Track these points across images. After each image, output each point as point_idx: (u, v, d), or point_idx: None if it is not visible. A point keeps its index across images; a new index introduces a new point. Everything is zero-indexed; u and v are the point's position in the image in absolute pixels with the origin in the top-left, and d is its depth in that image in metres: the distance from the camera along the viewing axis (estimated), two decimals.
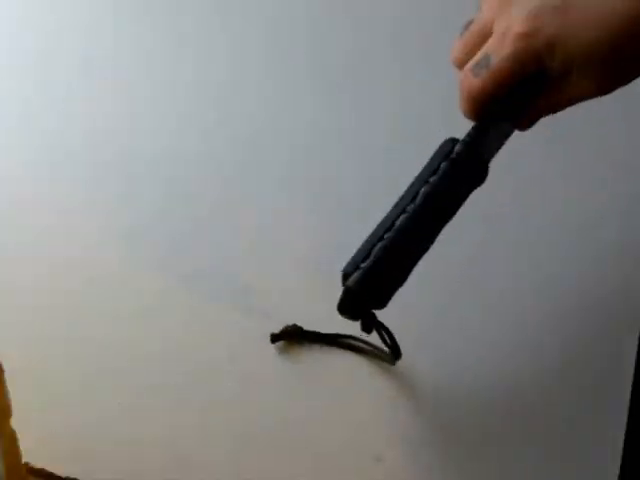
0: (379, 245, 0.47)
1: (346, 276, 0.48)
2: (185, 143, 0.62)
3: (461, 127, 0.53)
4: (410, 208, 0.47)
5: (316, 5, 0.68)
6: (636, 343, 0.55)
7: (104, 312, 0.56)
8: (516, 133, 0.50)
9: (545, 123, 0.49)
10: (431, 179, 0.47)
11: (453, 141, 0.48)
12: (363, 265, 0.47)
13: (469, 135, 0.48)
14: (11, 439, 0.44)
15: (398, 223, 0.47)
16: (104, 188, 0.61)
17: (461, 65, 0.48)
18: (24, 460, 0.46)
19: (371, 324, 0.50)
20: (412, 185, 0.48)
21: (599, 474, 0.51)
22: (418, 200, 0.47)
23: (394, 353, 0.53)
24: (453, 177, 0.48)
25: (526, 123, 0.49)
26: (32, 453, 0.47)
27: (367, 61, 0.65)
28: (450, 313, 0.56)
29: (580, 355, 0.55)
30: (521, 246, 0.59)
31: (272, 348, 0.54)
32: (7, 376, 0.44)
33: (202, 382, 0.54)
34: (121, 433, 0.52)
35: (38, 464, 0.48)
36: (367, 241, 0.48)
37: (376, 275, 0.47)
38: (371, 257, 0.47)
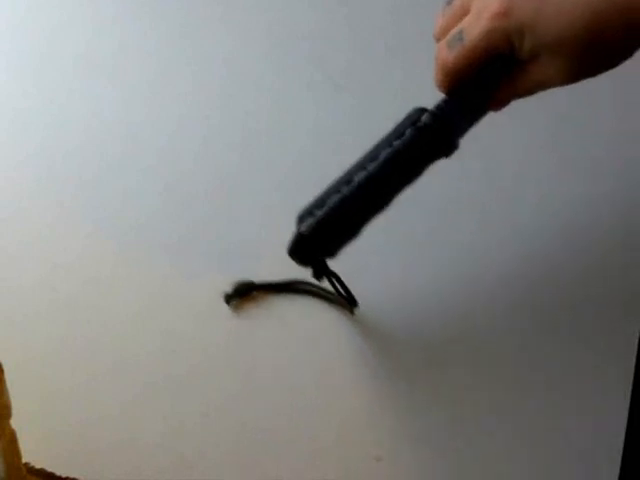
0: (335, 197, 0.49)
1: (299, 221, 0.49)
2: (186, 143, 0.62)
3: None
4: (370, 167, 0.49)
5: (318, 5, 0.68)
6: (636, 343, 0.55)
7: (104, 312, 0.56)
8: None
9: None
10: (395, 142, 0.49)
11: (422, 110, 0.49)
12: (317, 213, 0.49)
13: (437, 107, 0.49)
14: (11, 439, 0.44)
15: (356, 179, 0.49)
16: (104, 188, 0.61)
17: (440, 39, 0.49)
18: (24, 460, 0.46)
19: (322, 271, 0.51)
20: (376, 146, 0.50)
21: (599, 474, 0.51)
22: (379, 160, 0.49)
23: (350, 302, 0.53)
24: (416, 144, 0.49)
25: (497, 104, 0.50)
26: (32, 453, 0.47)
27: (368, 62, 0.65)
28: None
29: (580, 354, 0.55)
30: (520, 243, 0.59)
31: (227, 309, 0.55)
32: (7, 376, 0.44)
33: (200, 382, 0.54)
34: (121, 433, 0.52)
35: (38, 464, 0.48)
36: (324, 192, 0.50)
37: (328, 223, 0.49)
38: (326, 206, 0.49)
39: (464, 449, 0.52)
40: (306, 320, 0.55)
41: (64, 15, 0.67)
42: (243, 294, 0.55)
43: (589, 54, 0.44)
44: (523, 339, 0.55)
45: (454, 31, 0.48)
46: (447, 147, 0.49)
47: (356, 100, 0.64)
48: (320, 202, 0.49)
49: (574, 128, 0.62)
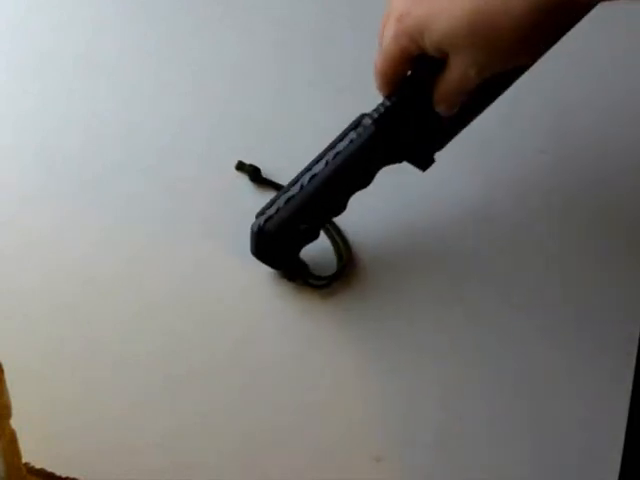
0: (283, 196, 0.54)
1: (255, 220, 0.55)
2: (186, 143, 0.62)
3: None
4: (315, 168, 0.54)
5: (318, 6, 0.68)
6: (636, 343, 0.55)
7: (104, 312, 0.56)
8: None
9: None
10: (338, 144, 0.53)
11: (363, 115, 0.53)
12: (267, 211, 0.54)
13: (375, 109, 0.52)
14: (11, 439, 0.44)
15: (301, 180, 0.54)
16: (104, 188, 0.61)
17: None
18: (24, 460, 0.46)
19: (291, 273, 0.57)
20: (324, 150, 0.54)
21: (599, 474, 0.51)
22: (322, 162, 0.53)
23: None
24: (359, 146, 0.52)
25: (441, 103, 0.50)
26: (32, 453, 0.47)
27: (368, 62, 0.65)
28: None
29: (580, 355, 0.55)
30: (520, 243, 0.59)
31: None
32: (7, 376, 0.44)
33: (200, 382, 0.54)
34: (121, 433, 0.52)
35: (38, 464, 0.48)
36: (276, 195, 0.55)
37: (276, 219, 0.54)
38: (274, 205, 0.54)
39: (464, 450, 0.52)
40: None
41: (64, 15, 0.67)
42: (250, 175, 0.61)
43: (482, 49, 0.46)
44: (523, 340, 0.55)
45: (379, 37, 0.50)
46: (391, 149, 0.53)
47: (356, 100, 0.64)
48: (270, 202, 0.55)
49: None
